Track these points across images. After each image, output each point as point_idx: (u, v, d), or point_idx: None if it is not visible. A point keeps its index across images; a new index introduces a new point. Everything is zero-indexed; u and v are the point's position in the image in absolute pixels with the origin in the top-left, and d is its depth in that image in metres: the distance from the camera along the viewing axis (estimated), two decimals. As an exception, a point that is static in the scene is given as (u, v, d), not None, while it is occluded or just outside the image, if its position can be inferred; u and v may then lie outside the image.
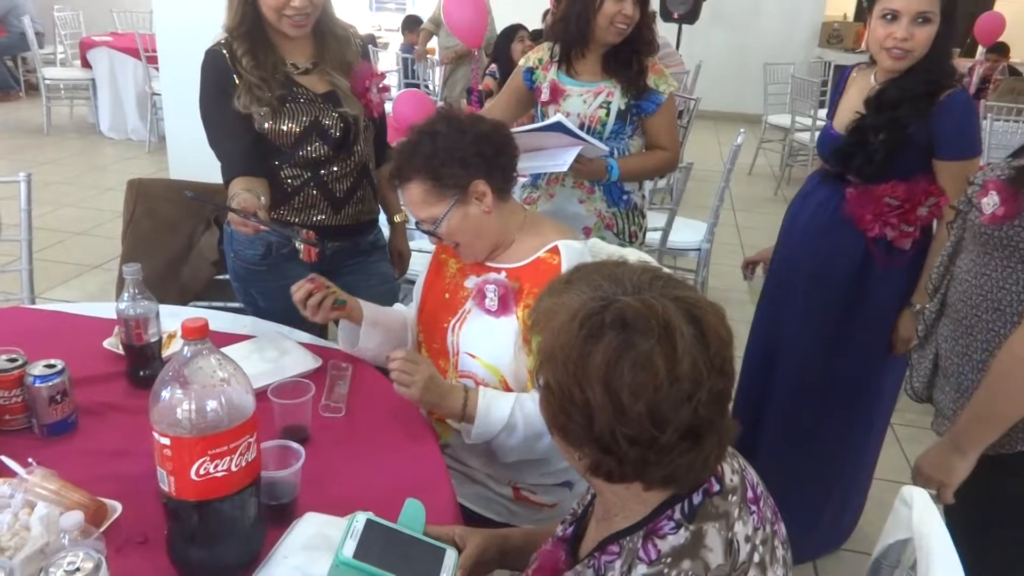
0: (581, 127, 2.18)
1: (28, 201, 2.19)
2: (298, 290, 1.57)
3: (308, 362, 1.58)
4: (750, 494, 0.91)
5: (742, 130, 3.45)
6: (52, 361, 1.34)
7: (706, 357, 0.80)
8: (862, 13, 8.70)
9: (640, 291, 0.83)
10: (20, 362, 1.34)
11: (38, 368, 1.32)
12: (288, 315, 1.79)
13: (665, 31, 6.66)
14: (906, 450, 2.84)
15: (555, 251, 1.49)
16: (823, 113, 6.04)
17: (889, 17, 1.74)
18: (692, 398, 0.79)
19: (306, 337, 1.73)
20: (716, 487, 0.88)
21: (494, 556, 1.14)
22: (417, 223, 1.54)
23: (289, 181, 1.86)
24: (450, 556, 1.05)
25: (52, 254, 4.13)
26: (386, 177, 2.08)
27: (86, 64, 6.62)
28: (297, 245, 1.74)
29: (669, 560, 0.83)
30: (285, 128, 1.79)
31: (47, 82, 6.63)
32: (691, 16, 7.30)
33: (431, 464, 1.33)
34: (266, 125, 1.78)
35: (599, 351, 0.79)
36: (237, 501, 1.00)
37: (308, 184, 1.86)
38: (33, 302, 2.22)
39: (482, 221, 1.49)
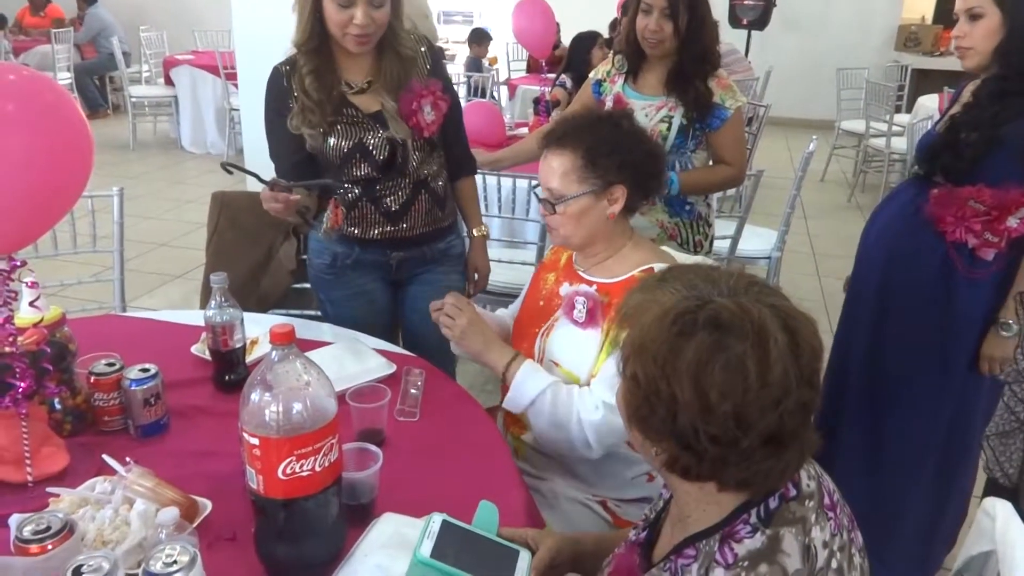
0: None
1: (121, 214, 2.31)
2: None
3: (383, 367, 1.63)
4: (827, 500, 0.90)
5: (814, 137, 3.39)
6: (146, 365, 1.41)
7: (797, 367, 0.80)
8: (943, 15, 8.41)
9: (736, 294, 0.84)
10: (117, 366, 1.41)
11: (133, 372, 1.39)
12: (354, 324, 1.85)
13: (733, 37, 6.60)
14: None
15: (650, 272, 1.48)
16: (900, 118, 5.90)
17: (955, 18, 1.75)
18: (779, 405, 0.79)
19: (380, 344, 1.78)
20: (793, 492, 0.88)
21: (566, 559, 1.15)
22: (537, 186, 1.57)
23: (343, 195, 1.88)
24: (523, 558, 1.07)
25: (138, 264, 4.33)
26: (467, 193, 2.07)
27: (169, 82, 6.94)
28: (325, 217, 1.82)
29: (746, 564, 0.83)
30: (332, 147, 1.81)
31: (133, 100, 6.96)
32: (760, 23, 7.19)
33: (503, 468, 1.36)
34: (315, 144, 1.82)
35: (691, 348, 0.80)
36: (321, 500, 1.04)
37: (361, 199, 1.88)
38: (124, 310, 2.33)
39: (598, 222, 1.52)
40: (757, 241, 3.41)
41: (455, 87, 2.05)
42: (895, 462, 2.01)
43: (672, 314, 0.83)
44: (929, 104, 5.32)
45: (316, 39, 1.76)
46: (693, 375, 0.80)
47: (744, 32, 7.33)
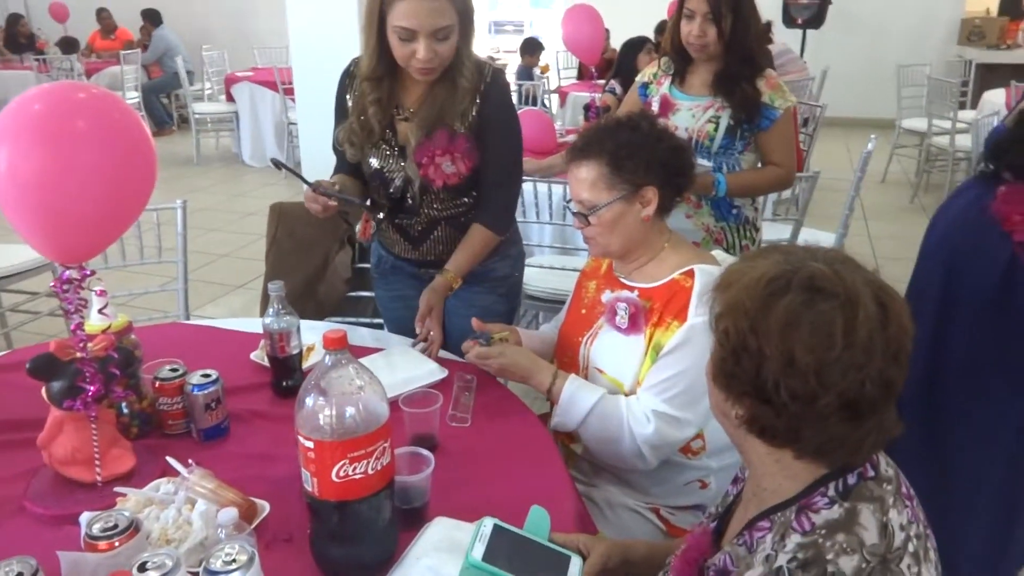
0: (689, 141, 2.17)
1: (184, 226, 2.40)
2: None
3: (435, 372, 1.65)
4: (904, 489, 0.90)
5: (873, 136, 3.30)
6: (208, 371, 1.46)
7: (884, 338, 0.82)
8: (1009, 6, 8.12)
9: (832, 263, 0.86)
10: (181, 372, 1.46)
11: (196, 377, 1.44)
12: (399, 326, 1.88)
13: (788, 37, 6.49)
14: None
15: (690, 274, 1.48)
16: (964, 115, 5.71)
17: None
18: (861, 370, 0.81)
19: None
20: (871, 473, 0.88)
21: (618, 566, 1.15)
22: (570, 201, 1.58)
23: (373, 211, 1.89)
24: (575, 563, 1.07)
25: (201, 275, 4.47)
26: (471, 238, 1.83)
27: (230, 98, 7.15)
28: (356, 228, 1.85)
29: (824, 532, 0.83)
30: (367, 164, 1.83)
31: (196, 116, 7.20)
32: (815, 21, 7.06)
33: (555, 474, 1.36)
34: (356, 158, 1.84)
35: (781, 305, 0.83)
36: (374, 502, 1.06)
37: (389, 218, 1.89)
38: (188, 319, 2.41)
39: (633, 227, 1.51)
40: (815, 244, 3.33)
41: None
42: (958, 466, 1.95)
43: (767, 276, 0.86)
44: (995, 99, 5.14)
45: (382, 68, 1.72)
46: (781, 330, 0.82)
47: (799, 31, 7.20)
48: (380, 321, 2.20)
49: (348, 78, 1.84)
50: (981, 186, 1.84)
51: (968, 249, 1.83)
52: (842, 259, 0.87)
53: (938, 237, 1.94)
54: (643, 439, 1.43)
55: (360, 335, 1.87)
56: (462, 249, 1.83)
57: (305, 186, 1.72)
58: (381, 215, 1.88)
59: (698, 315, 1.41)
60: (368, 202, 1.89)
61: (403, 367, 1.65)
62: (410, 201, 1.83)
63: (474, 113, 1.75)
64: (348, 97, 1.83)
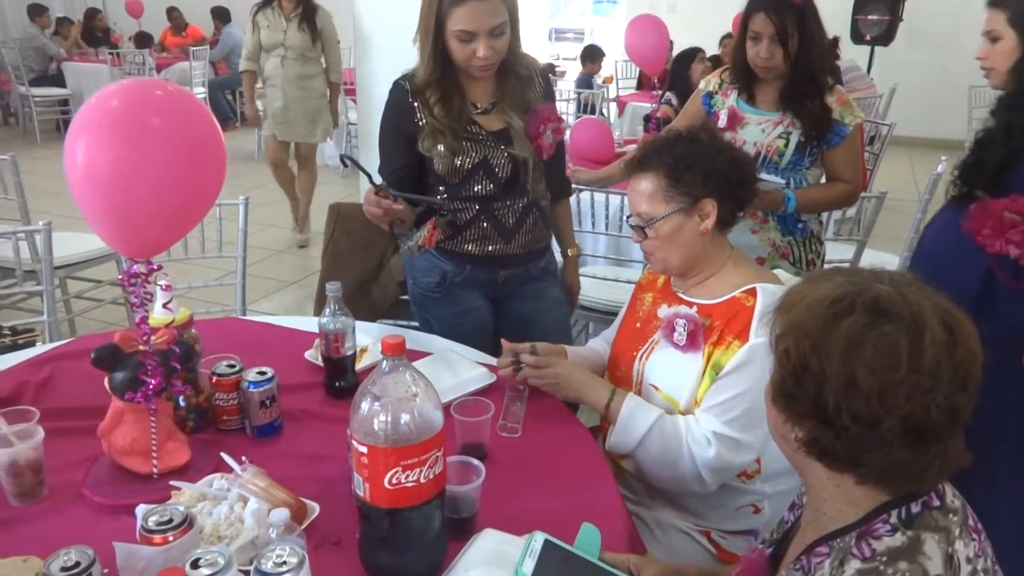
0: (757, 156, 2.17)
1: (246, 222, 2.44)
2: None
3: (484, 377, 1.63)
4: (971, 522, 0.87)
5: (943, 157, 3.20)
6: (263, 368, 1.47)
7: (951, 363, 0.79)
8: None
9: (899, 286, 0.84)
10: (237, 368, 1.48)
11: (252, 374, 1.45)
12: (460, 340, 1.87)
13: (856, 53, 6.34)
14: None
15: (751, 293, 1.44)
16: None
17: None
18: (926, 395, 0.79)
19: (480, 356, 1.79)
20: (936, 502, 0.85)
21: (668, 589, 1.13)
22: (630, 215, 1.57)
23: (460, 214, 1.91)
24: (625, 586, 1.05)
25: (258, 270, 4.54)
26: (563, 213, 2.14)
27: (293, 97, 7.25)
28: (418, 234, 1.85)
29: (885, 559, 0.81)
30: (456, 164, 1.85)
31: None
32: (885, 38, 6.88)
33: (606, 491, 1.33)
34: (443, 164, 1.85)
35: (844, 326, 0.81)
36: (425, 511, 1.05)
37: (479, 217, 1.91)
38: (244, 313, 2.45)
39: (692, 240, 1.49)
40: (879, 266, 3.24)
41: (563, 103, 2.10)
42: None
43: (831, 297, 0.84)
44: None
45: (440, 69, 1.81)
46: (844, 351, 0.81)
47: (867, 48, 7.03)
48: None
49: (408, 95, 1.86)
50: (955, 207, 1.91)
51: (947, 268, 1.87)
52: (909, 282, 0.85)
53: (926, 253, 1.99)
54: (703, 462, 1.40)
55: (414, 339, 1.87)
56: (564, 223, 2.15)
57: (368, 188, 1.73)
58: (476, 207, 1.90)
59: (759, 335, 1.37)
60: (442, 199, 1.91)
61: (452, 372, 1.65)
62: (522, 179, 1.90)
63: (541, 92, 1.93)
64: (416, 113, 1.86)
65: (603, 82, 6.99)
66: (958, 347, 0.80)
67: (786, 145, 2.15)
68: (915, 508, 0.84)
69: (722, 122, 2.25)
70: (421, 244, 1.94)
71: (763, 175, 1.99)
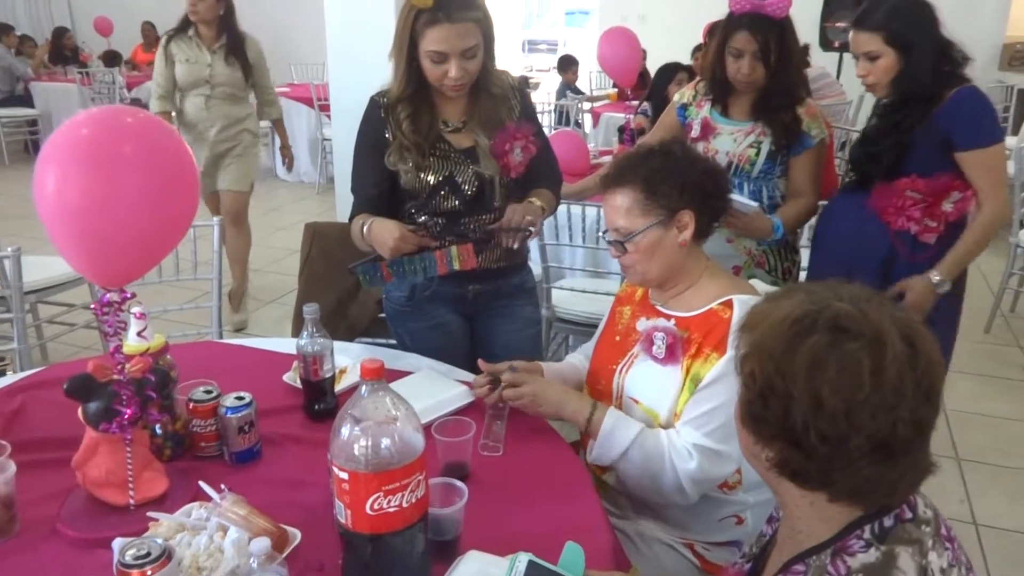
0: (729, 165, 2.19)
1: (220, 244, 2.42)
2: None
3: (464, 396, 1.63)
4: (944, 531, 0.87)
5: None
6: (241, 393, 1.45)
7: (913, 376, 0.80)
8: (1050, 31, 7.99)
9: (858, 303, 0.84)
10: (215, 394, 1.46)
11: (230, 400, 1.43)
12: (432, 355, 1.86)
13: (825, 60, 6.42)
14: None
15: (728, 304, 1.46)
16: (1007, 141, 5.60)
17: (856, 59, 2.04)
18: (892, 411, 0.79)
19: (459, 374, 1.78)
20: (909, 514, 0.86)
21: (653, 606, 1.13)
22: (607, 231, 1.57)
23: (428, 227, 1.89)
24: (610, 605, 1.05)
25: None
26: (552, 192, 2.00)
27: (265, 114, 7.22)
28: (453, 254, 1.83)
29: None
30: (421, 179, 1.85)
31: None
32: (853, 44, 6.98)
33: (590, 507, 1.33)
34: (408, 180, 1.85)
35: (807, 347, 0.82)
36: (407, 536, 1.04)
37: (446, 230, 1.90)
38: (220, 336, 2.42)
39: (671, 252, 1.50)
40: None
41: (540, 115, 2.08)
42: None
43: (792, 317, 0.84)
44: (1038, 126, 5.06)
45: (413, 86, 1.82)
46: (807, 372, 0.81)
47: (836, 55, 7.13)
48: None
49: (381, 110, 1.87)
50: (851, 191, 2.14)
51: (853, 247, 2.09)
52: (867, 297, 0.86)
53: (830, 235, 2.19)
54: (685, 474, 1.41)
55: (392, 358, 1.85)
56: (540, 192, 1.95)
57: (394, 224, 1.78)
58: (442, 222, 1.89)
59: None
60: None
61: (432, 391, 1.64)
62: (488, 197, 1.89)
63: (518, 109, 1.92)
64: (387, 128, 1.86)
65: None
66: (919, 360, 0.81)
67: (757, 154, 2.18)
68: (888, 522, 0.85)
69: (695, 132, 2.28)
70: (463, 267, 1.85)
71: (736, 196, 2.00)
